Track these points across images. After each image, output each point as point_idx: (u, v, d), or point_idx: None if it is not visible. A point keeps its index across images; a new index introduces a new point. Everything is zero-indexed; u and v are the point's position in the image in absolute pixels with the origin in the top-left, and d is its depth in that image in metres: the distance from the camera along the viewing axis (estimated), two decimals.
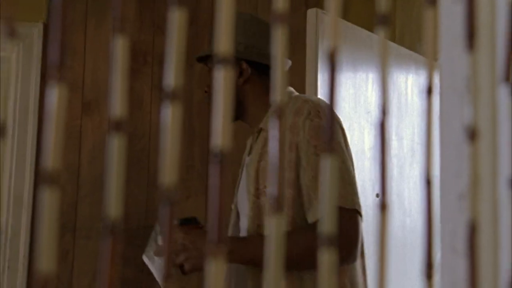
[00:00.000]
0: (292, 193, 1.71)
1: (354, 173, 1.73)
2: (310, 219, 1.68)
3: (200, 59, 1.95)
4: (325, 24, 2.43)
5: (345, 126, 2.56)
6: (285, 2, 0.44)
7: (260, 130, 1.84)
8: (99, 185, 2.77)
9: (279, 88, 0.44)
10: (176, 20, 0.43)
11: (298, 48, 2.90)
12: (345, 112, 2.58)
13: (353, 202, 1.67)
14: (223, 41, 0.44)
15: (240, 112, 1.88)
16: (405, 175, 2.86)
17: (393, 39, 2.99)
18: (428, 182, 0.44)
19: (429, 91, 0.44)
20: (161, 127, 0.42)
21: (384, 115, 0.43)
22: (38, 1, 2.78)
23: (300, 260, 1.66)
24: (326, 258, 0.41)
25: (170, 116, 0.42)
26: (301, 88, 2.61)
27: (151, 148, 2.87)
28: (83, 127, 2.82)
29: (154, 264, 1.86)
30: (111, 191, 0.42)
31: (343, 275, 1.73)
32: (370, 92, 2.70)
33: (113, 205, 0.43)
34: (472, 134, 0.43)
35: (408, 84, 2.94)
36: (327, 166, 0.41)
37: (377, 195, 2.65)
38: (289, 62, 1.99)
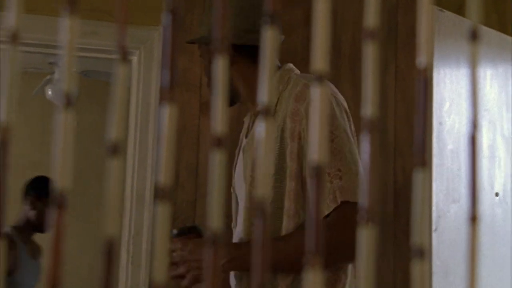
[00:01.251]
0: (295, 186, 1.61)
1: (359, 162, 1.58)
2: None
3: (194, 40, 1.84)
4: (440, 21, 2.38)
5: (462, 123, 2.51)
6: (375, 19, 0.45)
7: (258, 112, 1.77)
8: None
9: (371, 103, 0.45)
10: (268, 39, 0.45)
11: (414, 45, 2.86)
12: (462, 109, 2.53)
13: None
14: (319, 59, 0.46)
15: (233, 95, 1.76)
16: None
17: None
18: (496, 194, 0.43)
19: None
20: (256, 142, 0.43)
21: (474, 129, 0.44)
22: (158, 4, 2.87)
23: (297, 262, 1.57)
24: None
25: (264, 131, 0.43)
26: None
27: None
28: (201, 127, 2.88)
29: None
30: (213, 205, 0.45)
31: (339, 270, 1.63)
32: (488, 89, 2.63)
33: (215, 217, 0.45)
34: None
35: None
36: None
37: (497, 194, 2.58)
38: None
